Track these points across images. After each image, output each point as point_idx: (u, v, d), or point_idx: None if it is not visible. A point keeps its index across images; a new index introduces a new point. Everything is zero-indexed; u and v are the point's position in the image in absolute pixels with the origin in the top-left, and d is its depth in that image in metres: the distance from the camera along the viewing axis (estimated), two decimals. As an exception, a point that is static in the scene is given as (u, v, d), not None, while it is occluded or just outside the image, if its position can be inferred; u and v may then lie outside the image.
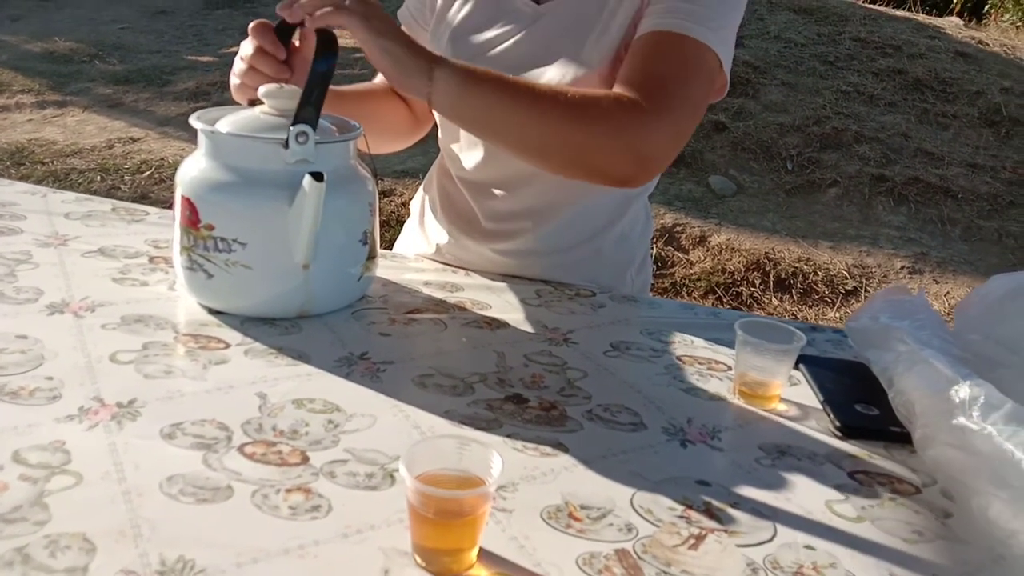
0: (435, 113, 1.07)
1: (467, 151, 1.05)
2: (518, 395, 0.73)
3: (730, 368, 0.82)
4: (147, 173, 3.58)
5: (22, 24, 6.04)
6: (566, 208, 1.04)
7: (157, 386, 0.69)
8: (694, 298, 2.80)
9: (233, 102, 0.97)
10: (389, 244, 3.28)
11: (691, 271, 2.92)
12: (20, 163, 3.73)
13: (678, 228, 3.11)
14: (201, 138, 0.84)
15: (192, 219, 0.81)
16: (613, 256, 1.09)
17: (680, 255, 3.01)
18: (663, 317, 0.97)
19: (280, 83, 0.88)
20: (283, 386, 0.71)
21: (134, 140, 4.00)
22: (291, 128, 0.79)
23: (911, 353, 0.76)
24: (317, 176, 0.76)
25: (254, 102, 0.91)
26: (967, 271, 3.04)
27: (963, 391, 0.68)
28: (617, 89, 0.87)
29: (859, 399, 0.78)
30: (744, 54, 4.36)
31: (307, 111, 0.80)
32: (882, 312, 0.87)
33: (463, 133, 1.04)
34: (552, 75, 0.94)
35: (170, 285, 0.90)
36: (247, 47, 0.92)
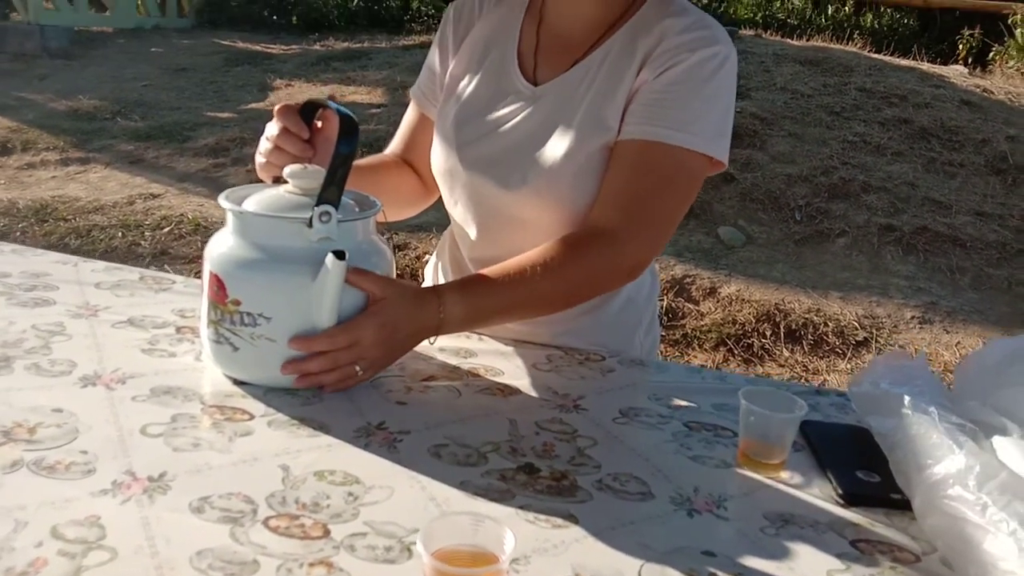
0: (441, 188, 1.13)
1: (468, 228, 1.09)
2: (530, 464, 0.76)
3: (735, 435, 0.85)
4: (167, 229, 3.66)
5: (48, 83, 6.22)
6: None
7: (186, 459, 0.72)
8: (705, 350, 2.82)
9: (257, 179, 1.02)
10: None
11: (702, 322, 2.95)
12: (44, 220, 3.83)
13: (688, 279, 3.14)
14: (229, 216, 0.89)
15: (220, 294, 0.85)
16: (621, 320, 1.12)
17: (691, 306, 3.04)
18: (671, 382, 1.00)
19: (304, 163, 0.93)
20: (305, 458, 0.74)
21: (155, 196, 4.10)
22: (315, 208, 0.84)
23: (911, 420, 0.79)
24: (339, 254, 0.81)
25: (279, 180, 0.96)
26: (977, 320, 3.05)
27: (959, 460, 0.71)
28: (598, 208, 0.97)
29: (861, 465, 0.81)
30: (751, 106, 4.44)
31: (330, 192, 0.85)
32: (883, 377, 0.89)
33: (465, 211, 1.09)
34: (552, 148, 0.99)
35: (196, 356, 0.94)
36: (273, 128, 0.97)
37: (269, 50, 7.21)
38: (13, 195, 4.10)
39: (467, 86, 1.08)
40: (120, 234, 3.67)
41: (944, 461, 0.72)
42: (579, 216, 1.00)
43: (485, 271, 0.94)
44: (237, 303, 0.84)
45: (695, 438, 0.85)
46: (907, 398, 0.81)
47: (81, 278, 1.16)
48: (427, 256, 3.35)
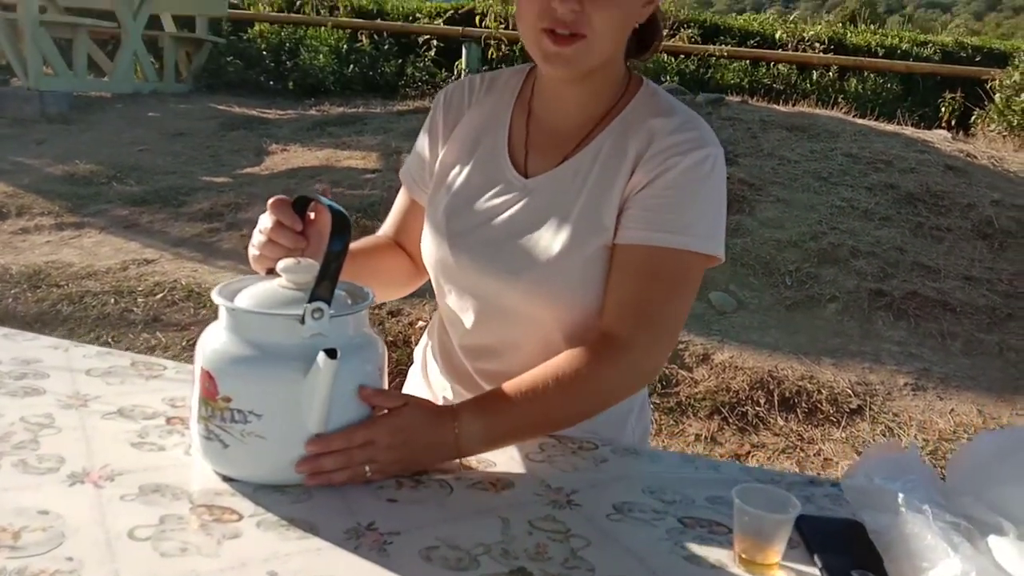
0: (431, 276, 1.14)
1: (458, 318, 1.10)
2: (522, 568, 0.75)
3: (730, 530, 0.84)
4: (160, 295, 3.66)
5: (46, 147, 6.29)
6: None
7: (173, 565, 0.71)
8: (699, 418, 2.81)
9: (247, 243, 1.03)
10: (396, 365, 3.30)
11: (696, 390, 2.94)
12: (37, 286, 3.82)
13: (681, 346, 3.14)
14: (222, 311, 0.89)
15: (211, 391, 0.85)
16: (614, 407, 1.12)
17: (684, 373, 3.04)
18: (665, 472, 0.99)
19: (297, 256, 0.94)
20: (294, 563, 0.73)
21: (148, 261, 4.11)
22: (307, 305, 0.84)
23: (905, 519, 0.78)
24: (331, 353, 0.81)
25: (272, 271, 0.96)
26: (971, 387, 3.05)
27: (955, 566, 0.70)
28: (608, 317, 0.98)
29: (856, 564, 0.80)
30: (739, 172, 4.51)
31: (323, 288, 0.85)
32: (876, 471, 0.89)
33: (455, 300, 1.10)
34: (542, 249, 1.01)
35: (186, 449, 0.93)
36: (266, 220, 0.98)
37: (265, 115, 7.32)
38: (7, 260, 4.11)
39: (458, 175, 1.10)
40: (113, 300, 3.66)
41: (940, 565, 0.71)
42: (573, 312, 1.01)
43: (499, 388, 0.95)
44: (228, 400, 0.84)
45: (690, 535, 0.84)
46: (900, 495, 0.81)
47: (72, 364, 1.16)
48: (420, 322, 3.36)
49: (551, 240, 1.01)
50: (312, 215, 1.01)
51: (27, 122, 6.86)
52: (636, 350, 0.97)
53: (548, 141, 1.06)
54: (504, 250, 1.03)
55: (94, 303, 3.62)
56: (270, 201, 0.98)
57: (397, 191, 1.25)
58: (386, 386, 0.95)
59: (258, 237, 0.99)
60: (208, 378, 0.85)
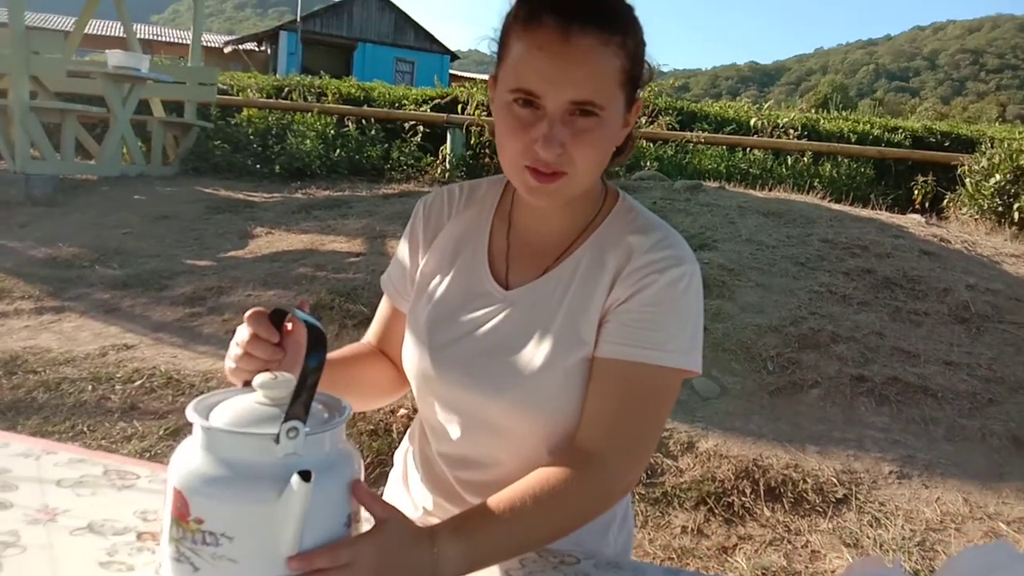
0: (412, 385, 1.13)
1: (439, 428, 1.10)
2: None
3: (714, 655, 0.82)
4: (138, 383, 3.61)
5: (29, 230, 6.30)
6: None
7: None
8: (685, 509, 2.77)
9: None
10: (376, 455, 3.23)
11: (681, 480, 2.91)
12: (13, 372, 3.77)
13: (666, 434, 3.12)
14: (196, 428, 0.88)
15: (182, 511, 0.83)
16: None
17: (669, 462, 3.01)
18: (646, 588, 0.97)
19: (273, 371, 0.93)
20: None
21: (128, 347, 4.07)
22: (282, 424, 0.83)
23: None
24: (305, 475, 0.80)
25: (249, 383, 0.96)
26: (955, 474, 3.04)
27: None
28: (584, 431, 0.98)
29: None
30: (718, 257, 4.58)
31: (297, 406, 0.85)
32: (861, 589, 0.88)
33: (437, 411, 1.09)
34: (524, 362, 1.01)
35: (156, 569, 0.91)
36: (243, 332, 0.98)
37: (251, 198, 7.40)
38: (-17, 346, 4.06)
39: (439, 286, 1.11)
40: (90, 387, 3.61)
41: None
42: (555, 423, 1.01)
43: (477, 508, 0.93)
44: (200, 522, 0.82)
45: (672, 661, 0.81)
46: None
47: (42, 474, 1.13)
48: (402, 410, 3.32)
49: (533, 353, 1.01)
50: (290, 325, 1.01)
51: (12, 205, 6.89)
52: (608, 468, 0.96)
53: (529, 253, 1.08)
54: (487, 364, 1.03)
55: (71, 390, 3.57)
56: (247, 314, 0.98)
57: (381, 274, 1.25)
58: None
59: (234, 350, 0.98)
60: (180, 498, 0.83)
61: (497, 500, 0.93)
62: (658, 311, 0.98)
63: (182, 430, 3.16)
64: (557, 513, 0.94)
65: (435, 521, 1.12)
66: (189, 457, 0.86)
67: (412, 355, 1.10)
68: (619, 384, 0.98)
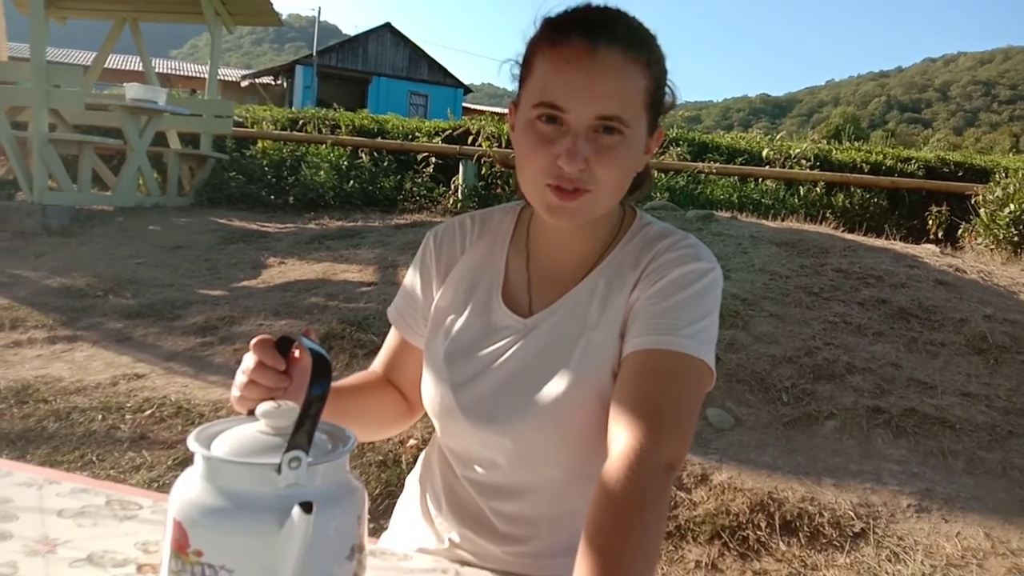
0: (433, 419, 1.11)
1: (476, 456, 1.07)
2: None
3: None
4: (148, 412, 3.61)
5: (44, 260, 6.35)
6: (580, 513, 1.04)
7: None
8: (699, 543, 2.72)
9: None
10: (385, 487, 3.20)
11: (695, 513, 2.86)
12: (24, 401, 3.78)
13: (678, 466, 3.08)
14: (197, 458, 0.87)
15: (181, 543, 0.82)
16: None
17: (683, 495, 2.96)
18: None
19: (278, 400, 0.92)
20: None
21: (139, 376, 4.08)
22: (284, 455, 0.82)
23: None
24: (306, 507, 0.78)
25: (253, 412, 0.94)
26: (976, 508, 2.97)
27: None
28: (618, 423, 0.90)
29: None
30: (732, 287, 4.55)
31: (300, 436, 0.83)
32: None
33: (463, 442, 1.07)
34: (549, 387, 1.00)
35: (154, 603, 0.89)
36: (248, 360, 0.97)
37: (265, 228, 7.45)
38: (-4, 375, 4.07)
39: (455, 320, 1.10)
40: (100, 417, 3.61)
41: None
42: (586, 439, 0.99)
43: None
44: (199, 554, 0.80)
45: None
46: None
47: (44, 504, 1.12)
48: (411, 440, 3.30)
49: (556, 380, 1.00)
50: (296, 353, 1.00)
51: (28, 235, 6.96)
52: (643, 441, 0.87)
53: (550, 280, 1.07)
54: (510, 396, 1.02)
55: (81, 419, 3.57)
56: (252, 341, 0.97)
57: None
58: (365, 533, 0.91)
59: (240, 378, 0.97)
60: (180, 530, 0.82)
61: (581, 560, 0.82)
62: (671, 299, 0.97)
63: (191, 460, 3.14)
64: (628, 516, 0.84)
65: (462, 555, 1.09)
66: (189, 487, 0.85)
67: (432, 391, 1.08)
68: (635, 370, 0.95)
